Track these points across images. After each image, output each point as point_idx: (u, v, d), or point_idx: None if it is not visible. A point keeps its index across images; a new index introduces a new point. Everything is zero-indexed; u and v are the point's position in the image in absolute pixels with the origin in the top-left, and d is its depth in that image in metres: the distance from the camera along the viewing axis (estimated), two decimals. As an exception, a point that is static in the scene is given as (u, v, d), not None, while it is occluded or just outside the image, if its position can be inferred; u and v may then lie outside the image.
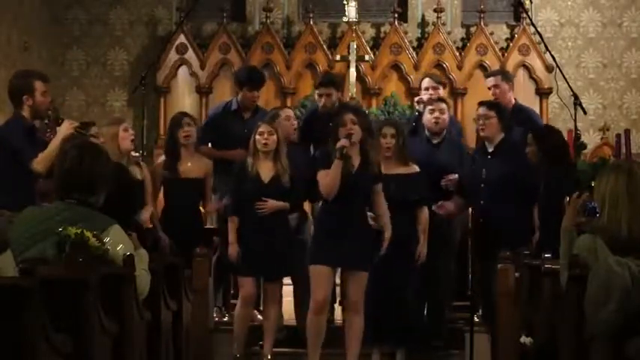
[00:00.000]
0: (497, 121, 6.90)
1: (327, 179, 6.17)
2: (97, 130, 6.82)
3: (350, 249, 6.19)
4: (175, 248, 6.73)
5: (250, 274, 6.74)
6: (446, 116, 7.30)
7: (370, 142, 6.35)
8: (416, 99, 8.35)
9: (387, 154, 6.66)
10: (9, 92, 6.42)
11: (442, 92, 7.93)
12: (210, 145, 7.69)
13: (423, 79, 8.21)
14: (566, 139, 7.12)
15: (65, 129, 6.13)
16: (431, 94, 7.76)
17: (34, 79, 6.33)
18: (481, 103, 7.14)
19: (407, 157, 6.72)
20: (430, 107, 7.31)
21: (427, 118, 7.28)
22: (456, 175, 7.06)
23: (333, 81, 7.64)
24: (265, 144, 6.72)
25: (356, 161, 6.27)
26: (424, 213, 6.72)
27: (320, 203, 6.49)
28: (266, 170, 6.75)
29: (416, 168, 6.72)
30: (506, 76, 8.00)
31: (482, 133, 7.01)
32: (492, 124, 6.90)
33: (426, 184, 6.73)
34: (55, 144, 6.03)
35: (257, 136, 6.75)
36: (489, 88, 7.88)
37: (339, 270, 6.42)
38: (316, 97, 7.62)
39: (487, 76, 8.34)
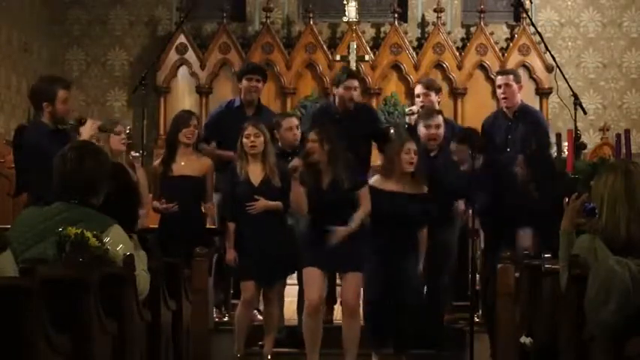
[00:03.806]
0: (467, 148, 6.77)
1: (292, 198, 6.32)
2: (120, 128, 6.78)
3: (341, 251, 6.22)
4: (175, 248, 6.71)
5: (249, 278, 6.75)
6: (442, 131, 7.21)
7: (339, 155, 6.34)
8: (407, 110, 8.25)
9: (409, 169, 6.59)
10: (30, 94, 6.39)
11: (434, 97, 7.77)
12: (214, 144, 7.65)
13: (415, 87, 8.10)
14: (565, 143, 7.06)
15: (89, 129, 6.12)
16: (422, 101, 7.69)
17: (58, 88, 6.29)
18: (455, 137, 6.97)
19: (420, 179, 6.66)
20: (426, 122, 7.22)
21: (423, 132, 7.17)
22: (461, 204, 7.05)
23: (358, 75, 7.65)
24: (252, 146, 6.72)
25: (326, 177, 6.30)
26: (424, 233, 6.70)
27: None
28: (255, 173, 6.76)
29: (425, 189, 6.67)
30: (517, 76, 7.94)
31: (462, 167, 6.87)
32: (464, 154, 6.79)
33: (432, 205, 6.67)
34: None
35: (244, 139, 6.75)
36: (499, 87, 7.77)
37: None
38: (341, 91, 7.33)
39: (499, 73, 8.21)
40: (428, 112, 7.41)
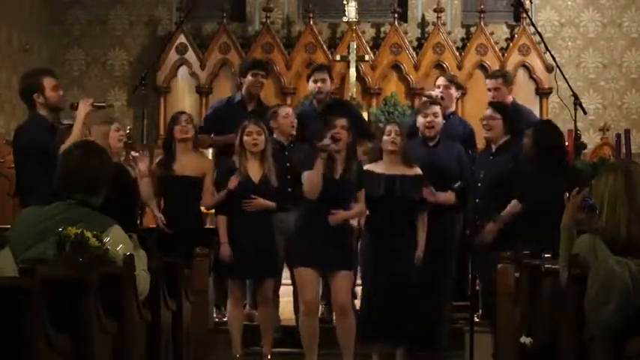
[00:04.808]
0: (502, 123, 6.91)
1: (310, 177, 6.27)
2: (118, 125, 6.79)
3: (330, 250, 6.26)
4: (174, 248, 6.71)
5: (237, 275, 6.75)
6: (439, 119, 7.28)
7: (355, 150, 6.44)
8: (426, 92, 8.37)
9: (392, 147, 6.66)
10: (20, 95, 6.41)
11: (454, 92, 7.90)
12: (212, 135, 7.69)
13: (437, 78, 8.25)
14: (566, 140, 7.09)
15: (83, 108, 6.11)
16: (441, 92, 7.77)
17: (42, 76, 6.30)
18: (490, 104, 7.17)
19: (410, 159, 6.74)
20: (423, 112, 7.31)
21: (420, 121, 7.26)
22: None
23: (327, 67, 7.76)
24: (255, 144, 6.73)
25: (340, 167, 6.34)
26: (424, 217, 6.74)
27: (302, 205, 6.52)
28: (255, 170, 6.76)
29: (419, 170, 6.73)
30: (506, 79, 7.98)
31: (485, 135, 7.03)
32: (497, 126, 6.91)
33: (425, 184, 6.74)
34: (77, 127, 6.00)
35: (245, 137, 6.74)
36: (489, 90, 7.88)
37: None
38: (311, 85, 7.53)
39: (488, 77, 8.31)
40: (425, 104, 7.50)
